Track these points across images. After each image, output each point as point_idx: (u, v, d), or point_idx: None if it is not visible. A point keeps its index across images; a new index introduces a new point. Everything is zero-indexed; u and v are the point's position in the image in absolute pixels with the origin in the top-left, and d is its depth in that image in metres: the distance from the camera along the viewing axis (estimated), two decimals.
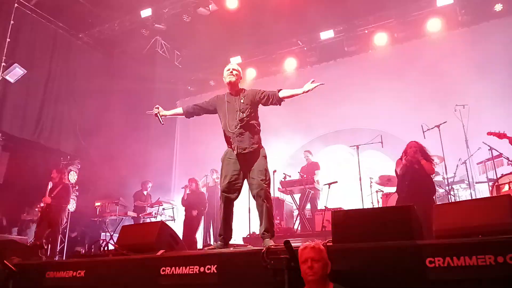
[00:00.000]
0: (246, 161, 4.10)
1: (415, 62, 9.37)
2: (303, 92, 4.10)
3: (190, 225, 8.39)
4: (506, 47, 8.34)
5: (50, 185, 7.49)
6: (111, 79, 10.61)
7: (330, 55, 10.69)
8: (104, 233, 8.85)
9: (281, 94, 4.18)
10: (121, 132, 10.01)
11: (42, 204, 7.36)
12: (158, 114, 4.61)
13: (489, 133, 5.96)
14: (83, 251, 7.25)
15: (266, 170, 4.09)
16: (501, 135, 5.72)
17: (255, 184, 4.02)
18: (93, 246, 7.91)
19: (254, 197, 4.07)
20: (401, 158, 5.86)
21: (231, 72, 4.28)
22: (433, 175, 5.89)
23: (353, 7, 9.37)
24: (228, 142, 4.23)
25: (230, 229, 4.19)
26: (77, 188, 9.22)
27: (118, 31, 10.44)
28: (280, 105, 4.26)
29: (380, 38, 9.83)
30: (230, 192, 4.11)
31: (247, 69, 11.34)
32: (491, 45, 8.54)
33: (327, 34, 10.01)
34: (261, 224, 4.04)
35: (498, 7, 8.65)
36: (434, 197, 5.64)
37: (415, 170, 5.60)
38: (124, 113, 10.52)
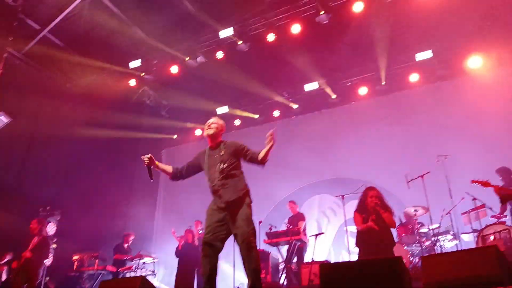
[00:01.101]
0: (231, 210, 3.98)
1: (398, 113, 9.66)
2: (270, 146, 4.13)
3: (183, 279, 8.05)
4: (485, 99, 8.65)
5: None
6: (95, 127, 10.58)
7: (314, 105, 10.93)
8: None
9: (260, 158, 4.18)
10: (103, 181, 9.87)
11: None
12: (150, 165, 4.34)
13: (473, 181, 5.91)
14: None
15: (250, 219, 3.98)
16: (485, 184, 5.73)
17: (240, 235, 3.88)
18: None
19: (239, 248, 3.90)
20: (357, 210, 5.72)
21: (209, 125, 4.37)
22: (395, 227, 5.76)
23: (337, 60, 9.71)
24: (213, 194, 4.16)
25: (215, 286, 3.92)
26: (55, 240, 8.89)
27: (106, 81, 10.56)
28: (263, 167, 4.25)
29: (363, 90, 10.13)
30: (214, 243, 3.95)
31: (234, 119, 11.47)
32: (470, 98, 8.85)
33: (311, 86, 10.28)
34: (248, 279, 3.84)
35: (472, 63, 9.04)
36: (393, 249, 5.45)
37: (375, 222, 5.46)
38: (107, 162, 10.43)
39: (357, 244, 5.65)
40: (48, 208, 9.36)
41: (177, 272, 8.29)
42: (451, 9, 8.04)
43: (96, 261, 8.37)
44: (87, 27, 9.14)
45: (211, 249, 3.94)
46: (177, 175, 4.43)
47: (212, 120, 4.45)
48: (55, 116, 10.20)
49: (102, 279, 7.88)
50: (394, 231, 5.77)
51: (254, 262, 3.82)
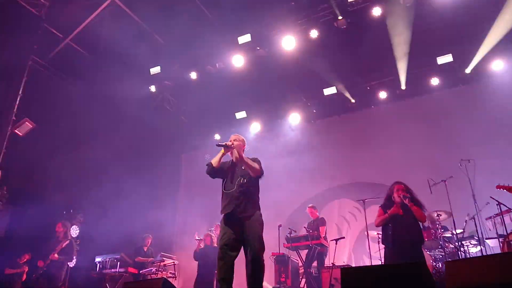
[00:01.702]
0: (243, 225, 4.16)
1: (418, 117, 9.54)
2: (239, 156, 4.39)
3: (202, 281, 8.09)
4: (508, 103, 8.48)
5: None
6: (117, 132, 10.75)
7: (333, 110, 10.90)
8: None
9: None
10: (125, 185, 10.01)
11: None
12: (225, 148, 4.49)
13: (498, 187, 5.87)
14: None
15: (261, 236, 4.16)
16: (511, 189, 5.65)
17: (250, 251, 4.07)
18: None
19: (247, 263, 4.07)
20: (382, 206, 5.37)
21: (232, 142, 4.54)
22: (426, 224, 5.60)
23: (355, 64, 9.67)
24: (229, 205, 4.29)
25: None
26: (78, 242, 9.08)
27: (128, 87, 10.76)
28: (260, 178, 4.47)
29: (382, 94, 10.05)
30: (230, 247, 4.10)
31: (252, 123, 11.53)
32: (493, 101, 8.69)
33: (330, 90, 10.25)
34: None
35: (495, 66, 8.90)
36: (422, 247, 5.17)
37: (401, 217, 5.09)
38: (128, 167, 10.58)
39: (383, 241, 5.29)
40: (71, 211, 9.58)
41: (197, 274, 8.34)
42: (470, 12, 7.95)
43: (118, 263, 8.51)
44: (108, 35, 9.34)
45: (227, 254, 4.07)
46: (214, 170, 4.51)
47: (233, 137, 4.64)
48: (77, 121, 10.42)
49: (124, 280, 7.99)
50: None
51: (259, 277, 4.03)
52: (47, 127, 9.47)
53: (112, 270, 8.48)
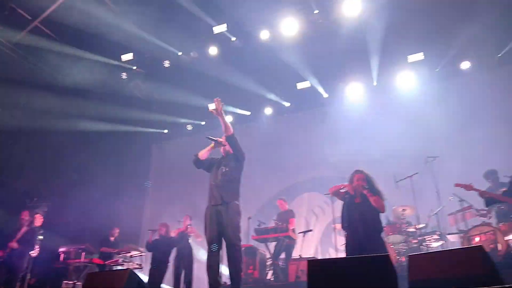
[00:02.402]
0: (224, 211, 4.55)
1: (389, 114, 9.72)
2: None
3: (155, 272, 8.01)
4: (474, 103, 8.76)
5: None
6: (85, 119, 10.48)
7: (306, 104, 10.97)
8: (66, 281, 8.37)
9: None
10: (92, 174, 9.80)
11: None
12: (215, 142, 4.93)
13: (457, 185, 6.02)
14: None
15: (239, 225, 4.58)
16: (468, 187, 5.83)
17: (228, 239, 4.49)
18: None
19: (227, 248, 4.51)
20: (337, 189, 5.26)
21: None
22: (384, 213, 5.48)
23: (329, 60, 9.74)
24: (211, 192, 4.73)
25: (219, 277, 4.46)
26: (41, 232, 8.81)
27: (97, 73, 10.47)
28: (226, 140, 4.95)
29: (353, 90, 10.19)
30: (216, 241, 4.50)
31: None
32: (460, 101, 8.96)
33: (303, 84, 10.30)
34: (230, 275, 4.45)
35: (465, 65, 9.18)
36: (381, 235, 5.02)
37: (357, 205, 5.02)
38: (96, 155, 10.36)
39: (343, 226, 5.16)
40: (35, 199, 9.28)
41: (150, 267, 8.18)
42: (443, 12, 8.13)
43: (83, 253, 8.32)
44: (79, 19, 9.03)
45: (215, 247, 4.48)
46: (199, 162, 4.96)
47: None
48: (44, 107, 10.08)
49: (88, 271, 7.82)
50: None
51: (237, 263, 4.45)
52: (11, 112, 9.14)
53: (77, 260, 8.27)
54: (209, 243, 4.52)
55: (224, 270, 4.59)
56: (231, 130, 4.80)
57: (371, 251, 4.46)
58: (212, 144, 4.88)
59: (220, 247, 4.54)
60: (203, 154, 4.90)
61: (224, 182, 4.69)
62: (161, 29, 9.54)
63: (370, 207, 4.93)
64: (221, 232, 4.54)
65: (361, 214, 4.92)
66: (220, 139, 4.87)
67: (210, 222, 4.61)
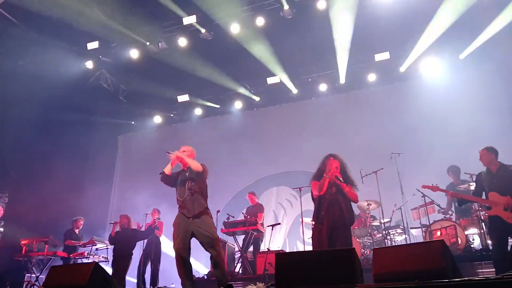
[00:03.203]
0: (195, 223, 4.71)
1: (355, 111, 9.93)
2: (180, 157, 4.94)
3: (118, 265, 7.79)
4: (437, 102, 9.05)
5: None
6: (48, 108, 10.10)
7: (275, 99, 11.03)
8: (29, 274, 8.11)
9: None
10: (55, 165, 9.48)
11: None
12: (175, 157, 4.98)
13: (424, 186, 6.13)
14: None
15: (211, 232, 4.72)
16: (434, 188, 5.99)
17: (206, 243, 4.68)
18: None
19: (207, 250, 4.70)
20: (315, 179, 4.97)
21: (183, 152, 5.05)
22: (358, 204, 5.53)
23: (299, 56, 9.80)
24: (180, 207, 4.86)
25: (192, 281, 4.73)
26: (2, 223, 8.49)
27: (62, 61, 10.12)
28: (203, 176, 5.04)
29: (322, 87, 10.32)
30: (185, 248, 4.67)
31: (194, 108, 11.39)
32: (424, 100, 9.23)
33: (273, 80, 10.34)
34: (217, 276, 4.72)
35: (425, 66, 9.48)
36: (351, 228, 4.95)
37: (333, 195, 4.82)
38: (60, 145, 10.04)
39: (314, 218, 4.95)
40: None
41: (112, 259, 7.95)
42: (408, 13, 8.34)
43: (46, 246, 8.06)
44: (43, 3, 8.68)
45: (184, 254, 4.67)
46: (167, 178, 5.02)
47: (183, 148, 5.14)
48: (4, 94, 9.66)
49: (52, 264, 7.61)
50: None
51: (222, 262, 4.72)
52: None
53: (39, 253, 8.02)
54: (181, 250, 4.66)
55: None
56: (199, 166, 4.84)
57: (337, 244, 4.54)
58: (173, 157, 4.93)
59: (190, 253, 4.75)
60: (168, 170, 4.95)
61: (192, 197, 4.80)
62: (129, 18, 9.31)
63: (344, 198, 4.79)
64: (194, 236, 4.74)
65: (335, 205, 4.76)
66: (177, 152, 4.96)
67: (181, 230, 4.75)
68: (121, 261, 7.65)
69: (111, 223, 8.22)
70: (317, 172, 5.02)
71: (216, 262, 4.69)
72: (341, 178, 4.78)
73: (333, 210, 4.74)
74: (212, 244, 4.66)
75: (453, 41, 8.97)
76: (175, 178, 5.00)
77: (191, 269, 4.81)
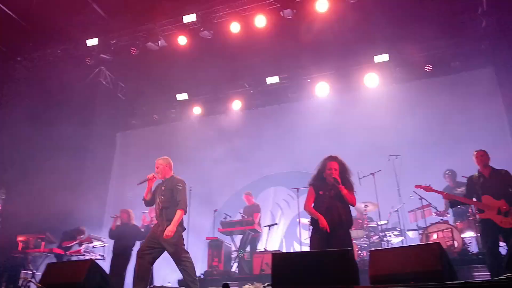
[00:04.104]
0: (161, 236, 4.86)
1: (354, 112, 9.91)
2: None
3: (117, 261, 7.72)
4: (436, 104, 9.06)
5: None
6: (46, 105, 10.07)
7: (274, 99, 11.02)
8: (25, 271, 8.09)
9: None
10: (52, 162, 9.44)
11: None
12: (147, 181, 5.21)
13: (417, 186, 6.10)
14: None
15: (182, 243, 4.99)
16: (427, 188, 5.96)
17: (173, 254, 4.88)
18: (12, 286, 7.20)
19: (176, 263, 4.92)
20: (313, 184, 4.94)
21: (156, 168, 5.23)
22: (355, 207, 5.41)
23: (298, 56, 9.79)
24: (156, 221, 5.12)
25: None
26: None
27: (61, 57, 10.09)
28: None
29: (321, 88, 10.30)
30: (149, 252, 4.86)
31: (193, 107, 11.37)
32: (423, 101, 9.24)
33: (272, 79, 10.33)
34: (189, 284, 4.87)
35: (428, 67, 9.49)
36: (350, 230, 4.85)
37: (331, 199, 4.73)
38: (57, 143, 10.00)
39: (312, 222, 4.88)
40: None
41: (112, 254, 7.90)
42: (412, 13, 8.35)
43: (43, 243, 8.05)
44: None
45: (147, 256, 4.83)
46: (148, 202, 5.34)
47: (157, 161, 5.29)
48: (2, 91, 9.65)
49: (48, 261, 7.58)
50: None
51: (191, 273, 4.86)
52: None
53: (36, 250, 8.00)
54: (143, 253, 4.89)
55: None
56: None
57: (335, 246, 4.49)
58: (147, 182, 5.17)
59: (155, 258, 4.97)
60: (146, 195, 5.22)
61: (165, 209, 4.99)
62: (129, 15, 9.30)
63: (342, 201, 4.70)
64: (159, 249, 4.95)
65: (333, 209, 4.66)
66: (149, 176, 5.18)
67: (151, 236, 5.03)
68: (120, 256, 7.64)
69: (112, 217, 8.21)
70: (316, 175, 4.99)
71: (188, 276, 4.92)
72: (339, 181, 4.71)
73: (331, 215, 4.62)
74: (181, 259, 4.91)
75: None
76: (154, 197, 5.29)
77: (148, 275, 4.99)
